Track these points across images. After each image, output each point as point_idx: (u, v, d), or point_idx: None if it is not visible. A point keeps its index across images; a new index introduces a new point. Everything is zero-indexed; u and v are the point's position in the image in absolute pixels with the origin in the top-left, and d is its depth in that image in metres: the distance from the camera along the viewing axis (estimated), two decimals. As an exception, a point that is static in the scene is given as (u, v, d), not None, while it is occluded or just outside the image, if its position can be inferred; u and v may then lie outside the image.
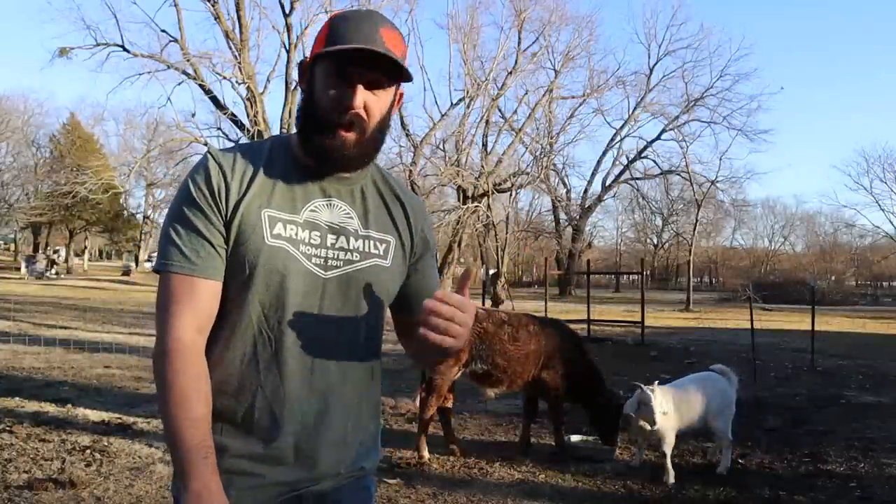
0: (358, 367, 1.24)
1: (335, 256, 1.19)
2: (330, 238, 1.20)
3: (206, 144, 17.79)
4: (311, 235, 1.18)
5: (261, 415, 1.15)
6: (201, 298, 1.14)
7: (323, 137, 1.16)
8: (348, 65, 1.13)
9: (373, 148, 1.20)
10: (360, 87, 1.14)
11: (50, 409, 5.71)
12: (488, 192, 29.64)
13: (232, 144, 1.25)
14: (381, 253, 1.24)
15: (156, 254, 1.22)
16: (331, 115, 1.15)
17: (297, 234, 1.17)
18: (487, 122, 32.05)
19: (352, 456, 1.25)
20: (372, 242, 1.24)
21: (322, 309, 1.18)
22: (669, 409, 4.36)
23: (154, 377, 1.13)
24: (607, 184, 38.18)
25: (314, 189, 1.21)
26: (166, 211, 1.19)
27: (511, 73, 31.46)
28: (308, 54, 1.23)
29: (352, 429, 1.24)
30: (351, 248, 1.21)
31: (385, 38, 1.13)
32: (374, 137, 1.19)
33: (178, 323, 1.12)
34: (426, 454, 4.62)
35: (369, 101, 1.16)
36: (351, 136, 1.16)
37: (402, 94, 1.25)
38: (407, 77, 1.18)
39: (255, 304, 1.15)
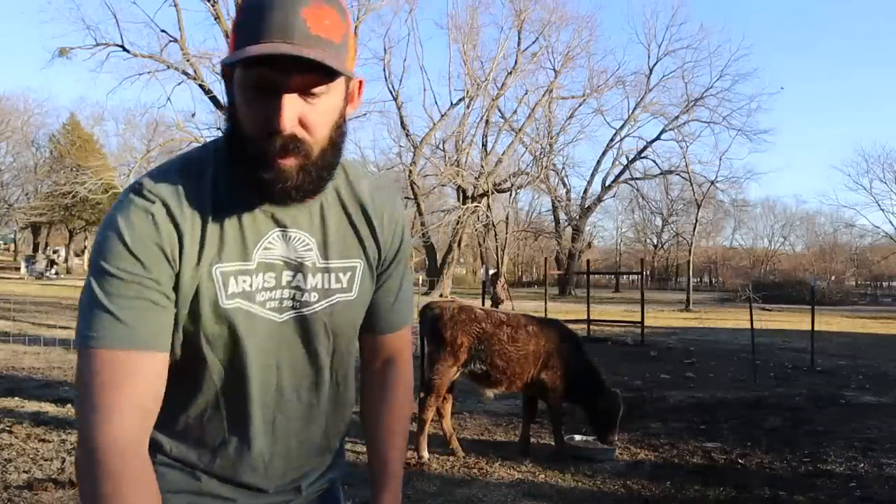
0: (325, 404, 1.12)
1: (290, 296, 1.02)
2: (286, 276, 1.01)
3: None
4: (265, 278, 0.99)
5: (223, 462, 1.05)
6: (144, 378, 0.90)
7: (257, 171, 0.91)
8: (266, 70, 0.87)
9: (325, 169, 0.96)
10: (286, 101, 0.88)
11: (50, 409, 5.71)
12: (488, 192, 29.72)
13: (167, 166, 0.97)
14: (345, 285, 1.07)
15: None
16: (259, 143, 0.90)
17: (251, 285, 0.98)
18: (487, 122, 32.17)
19: (319, 474, 1.17)
20: (333, 276, 1.05)
21: (280, 354, 1.03)
22: None
23: (80, 491, 0.88)
24: (607, 184, 38.22)
25: (266, 221, 0.99)
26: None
27: (511, 73, 31.55)
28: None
29: (318, 460, 1.16)
30: (308, 287, 1.03)
31: (310, 21, 0.87)
32: (324, 155, 0.94)
33: (114, 417, 0.87)
34: (426, 454, 4.63)
35: (305, 113, 0.90)
36: (290, 162, 0.91)
37: (361, 84, 1.00)
38: (347, 69, 0.91)
39: (214, 365, 0.99)
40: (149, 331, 0.91)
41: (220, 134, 0.99)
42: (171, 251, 0.92)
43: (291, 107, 0.88)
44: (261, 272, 0.98)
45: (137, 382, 0.89)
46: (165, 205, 0.93)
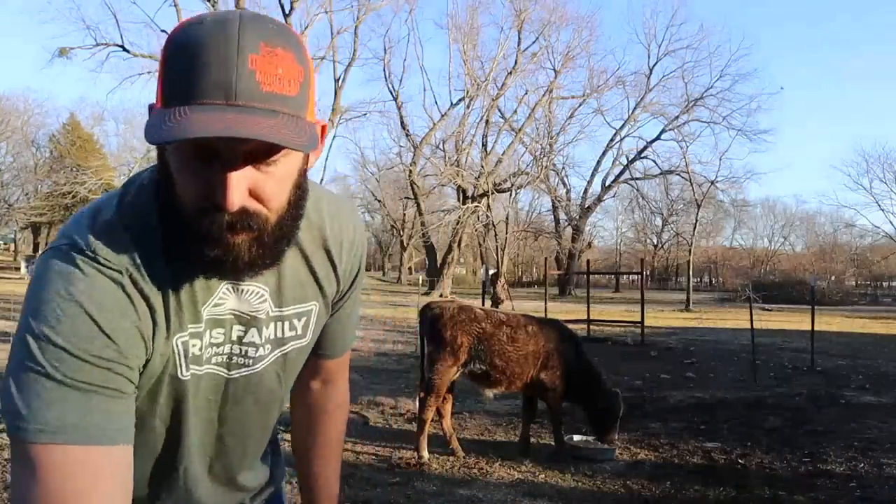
0: (264, 440, 1.09)
1: (241, 353, 0.92)
2: (236, 330, 0.90)
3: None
4: (212, 335, 0.88)
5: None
6: (116, 480, 0.75)
7: (202, 248, 0.76)
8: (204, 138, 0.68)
9: (283, 238, 0.81)
10: (234, 174, 0.71)
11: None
12: (488, 192, 29.75)
13: (106, 221, 0.80)
14: (299, 331, 0.98)
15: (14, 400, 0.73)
16: (201, 219, 0.74)
17: (200, 348, 0.87)
18: (487, 122, 32.23)
19: (263, 484, 1.15)
20: (287, 323, 0.95)
21: (225, 408, 0.95)
22: None
23: None
24: (607, 184, 38.25)
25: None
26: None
27: (511, 73, 31.60)
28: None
29: (262, 480, 1.15)
30: (262, 341, 0.93)
31: (261, 74, 0.70)
32: (281, 223, 0.79)
33: None
34: (426, 454, 4.63)
35: (259, 184, 0.74)
36: (242, 238, 0.76)
37: (324, 129, 0.82)
38: (307, 132, 0.73)
39: (157, 428, 0.92)
40: (119, 422, 0.76)
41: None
42: (146, 331, 0.79)
43: (240, 180, 0.72)
44: (209, 329, 0.87)
45: (108, 488, 0.73)
46: (130, 275, 0.78)
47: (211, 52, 0.69)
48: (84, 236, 0.78)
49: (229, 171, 0.71)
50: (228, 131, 0.66)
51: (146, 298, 0.79)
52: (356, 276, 1.05)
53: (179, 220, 0.76)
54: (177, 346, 0.84)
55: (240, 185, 0.72)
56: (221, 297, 0.87)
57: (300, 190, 0.81)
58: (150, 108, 0.75)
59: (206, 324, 0.87)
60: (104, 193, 0.89)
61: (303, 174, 0.82)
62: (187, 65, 0.69)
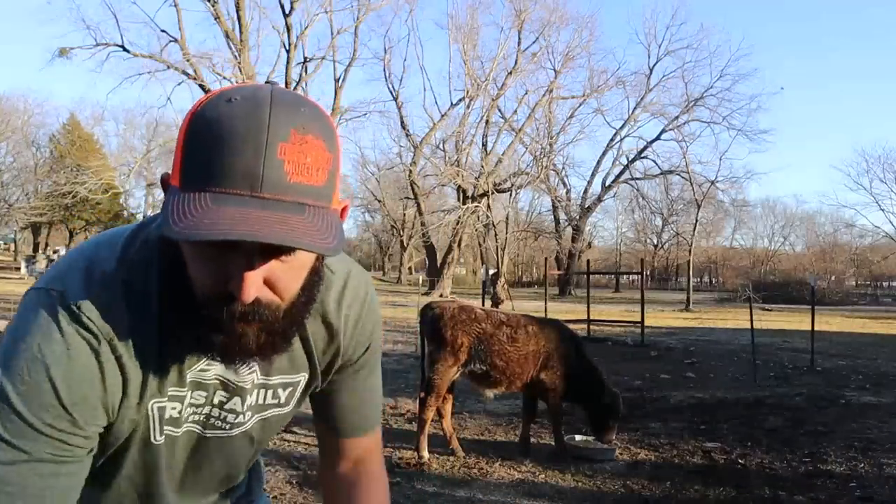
0: (231, 483, 1.06)
1: (220, 416, 0.90)
2: (219, 396, 0.88)
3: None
4: (193, 395, 0.86)
5: None
6: None
7: (210, 335, 0.74)
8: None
9: (294, 324, 0.78)
10: (249, 275, 0.69)
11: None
12: (488, 192, 29.76)
13: (104, 272, 0.78)
14: (282, 401, 0.95)
15: None
16: (213, 308, 0.72)
17: (180, 411, 0.85)
18: (487, 122, 32.25)
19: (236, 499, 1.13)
20: (271, 392, 0.93)
21: (194, 462, 0.94)
22: None
23: None
24: (607, 184, 38.26)
25: None
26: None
27: (511, 73, 31.61)
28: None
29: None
30: (243, 409, 0.91)
31: (289, 163, 0.67)
32: (293, 309, 0.77)
33: None
34: (426, 454, 4.62)
35: (276, 275, 0.72)
36: (252, 327, 0.74)
37: (346, 209, 0.76)
38: (331, 227, 0.70)
39: (124, 486, 0.90)
40: (61, 484, 0.75)
41: None
42: (112, 403, 0.77)
43: (258, 275, 0.70)
44: (191, 390, 0.85)
45: None
46: (111, 341, 0.76)
47: (239, 138, 0.66)
48: (77, 288, 0.76)
49: (248, 264, 0.69)
50: (253, 236, 0.63)
51: (122, 367, 0.77)
52: (366, 349, 1.01)
53: (187, 301, 0.73)
54: (152, 411, 0.82)
55: (257, 278, 0.70)
56: (209, 364, 0.84)
57: (315, 275, 0.79)
58: (165, 179, 0.73)
59: (189, 385, 0.84)
60: (109, 232, 0.85)
61: (320, 259, 0.79)
62: (213, 147, 0.66)
